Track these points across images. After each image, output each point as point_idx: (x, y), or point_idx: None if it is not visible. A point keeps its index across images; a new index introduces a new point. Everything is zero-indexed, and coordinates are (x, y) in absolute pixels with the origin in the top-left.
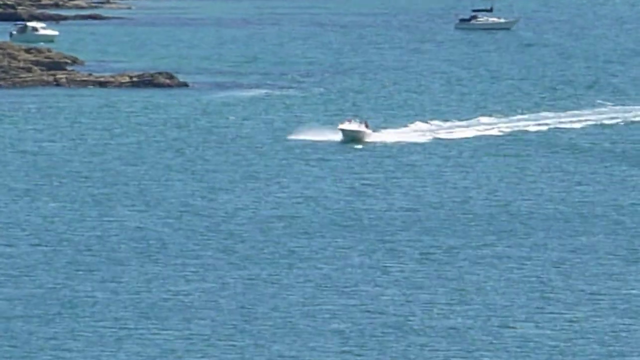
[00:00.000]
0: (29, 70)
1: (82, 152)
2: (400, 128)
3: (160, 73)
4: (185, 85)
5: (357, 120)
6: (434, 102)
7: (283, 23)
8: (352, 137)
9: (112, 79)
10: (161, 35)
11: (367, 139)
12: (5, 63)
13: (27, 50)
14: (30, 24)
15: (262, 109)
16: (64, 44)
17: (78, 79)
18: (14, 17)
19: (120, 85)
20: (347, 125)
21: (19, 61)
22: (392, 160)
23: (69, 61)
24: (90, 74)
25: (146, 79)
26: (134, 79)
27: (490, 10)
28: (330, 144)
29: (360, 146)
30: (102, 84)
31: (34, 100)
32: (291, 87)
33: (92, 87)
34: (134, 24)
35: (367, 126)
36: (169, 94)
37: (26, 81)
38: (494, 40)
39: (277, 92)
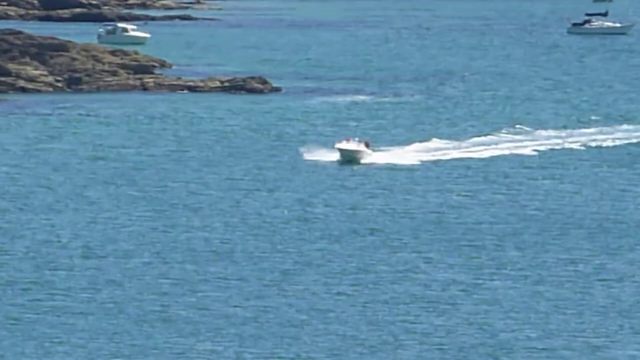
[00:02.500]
0: (114, 73)
1: (167, 160)
2: (408, 146)
3: (252, 77)
4: (278, 90)
5: (357, 139)
6: (529, 110)
7: (380, 26)
8: (349, 157)
9: (201, 84)
10: (253, 37)
11: (367, 160)
12: (89, 66)
13: (113, 53)
14: (120, 24)
15: (355, 116)
16: (151, 46)
17: (166, 83)
18: (99, 18)
19: (211, 90)
20: (344, 145)
21: (103, 64)
22: (480, 171)
23: (156, 64)
24: (179, 78)
25: (238, 83)
26: (225, 84)
27: (605, 15)
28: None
29: (357, 167)
30: (192, 89)
31: (119, 105)
32: (386, 94)
33: (181, 92)
34: (224, 26)
35: (367, 145)
36: (261, 100)
37: (111, 85)
38: (608, 46)
39: (372, 99)
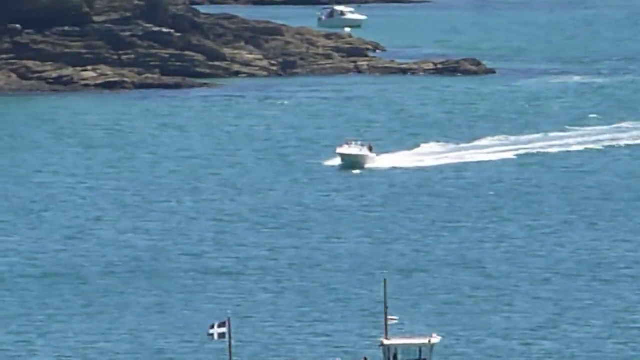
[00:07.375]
0: (328, 57)
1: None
2: (410, 150)
3: (465, 60)
4: (492, 72)
5: (359, 143)
6: None
7: (597, 7)
8: (351, 162)
9: (415, 66)
10: (467, 19)
11: (370, 164)
12: (303, 49)
13: (327, 36)
14: (337, 7)
15: (562, 98)
16: (366, 30)
17: (379, 66)
18: (311, 1)
19: (424, 72)
20: (345, 149)
21: (317, 47)
22: None
23: (370, 47)
24: (392, 61)
25: (451, 66)
26: (438, 66)
27: None
28: None
29: (359, 172)
30: (405, 71)
31: (332, 89)
32: (601, 75)
33: (394, 74)
34: (437, 8)
35: (371, 149)
36: (474, 82)
37: (325, 68)
38: None
39: (587, 80)
